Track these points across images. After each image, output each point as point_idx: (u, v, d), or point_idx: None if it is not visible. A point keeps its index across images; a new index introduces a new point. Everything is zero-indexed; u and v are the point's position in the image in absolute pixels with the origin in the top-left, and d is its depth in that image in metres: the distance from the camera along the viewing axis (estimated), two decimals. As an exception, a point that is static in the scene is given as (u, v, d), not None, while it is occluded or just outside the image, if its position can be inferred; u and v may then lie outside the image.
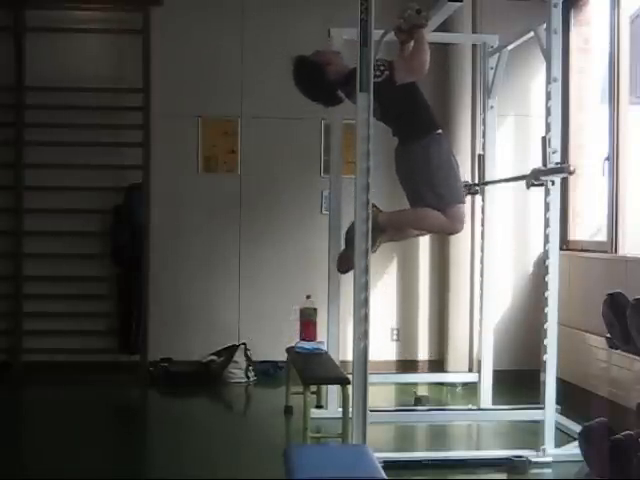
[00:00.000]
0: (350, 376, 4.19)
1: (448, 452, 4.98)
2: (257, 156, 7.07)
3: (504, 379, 6.21)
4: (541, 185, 4.80)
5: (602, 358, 5.52)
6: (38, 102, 6.79)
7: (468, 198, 5.43)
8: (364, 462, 3.29)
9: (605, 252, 5.81)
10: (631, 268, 5.39)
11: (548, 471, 4.66)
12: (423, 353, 7.19)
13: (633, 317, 3.54)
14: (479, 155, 6.04)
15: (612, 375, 5.42)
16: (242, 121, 7.06)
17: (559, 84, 4.77)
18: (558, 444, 4.76)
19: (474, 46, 6.72)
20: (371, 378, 4.06)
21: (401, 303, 7.20)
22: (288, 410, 5.72)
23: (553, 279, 4.79)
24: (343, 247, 4.91)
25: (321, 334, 5.69)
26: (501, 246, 6.30)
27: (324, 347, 5.58)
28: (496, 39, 5.89)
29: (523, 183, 4.95)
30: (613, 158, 5.72)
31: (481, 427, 5.66)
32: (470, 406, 5.93)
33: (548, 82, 4.78)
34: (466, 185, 5.76)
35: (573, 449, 4.46)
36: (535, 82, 6.76)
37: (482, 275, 5.93)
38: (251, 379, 6.83)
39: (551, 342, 4.77)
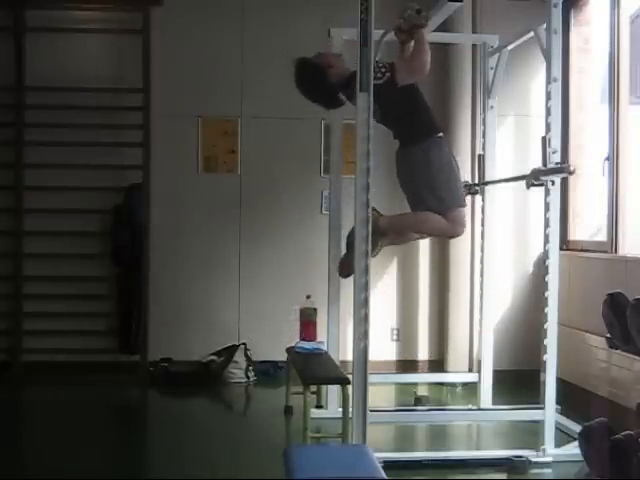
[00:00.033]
0: (350, 376, 4.19)
1: (448, 452, 4.98)
2: (257, 156, 7.07)
3: (504, 379, 6.21)
4: (541, 185, 4.80)
5: (602, 358, 5.52)
6: (38, 102, 6.79)
7: (468, 198, 5.43)
8: (364, 462, 3.29)
9: (605, 252, 5.81)
10: (631, 268, 5.39)
11: (548, 471, 4.66)
12: (423, 353, 7.19)
13: (633, 317, 3.54)
14: (479, 155, 6.04)
15: (612, 375, 5.42)
16: (242, 121, 7.06)
17: (559, 84, 4.77)
18: (558, 444, 4.76)
19: (474, 46, 6.72)
20: (371, 378, 4.06)
21: (401, 303, 7.20)
22: (288, 410, 5.72)
23: (553, 279, 4.79)
24: (344, 252, 4.90)
25: (321, 334, 5.69)
26: (501, 246, 6.30)
27: (324, 347, 5.58)
28: (496, 39, 5.89)
29: (523, 183, 4.95)
30: (613, 158, 5.72)
31: (481, 427, 5.66)
32: (470, 406, 5.93)
33: (548, 82, 4.78)
34: (466, 185, 5.76)
35: (573, 449, 4.46)
36: (535, 82, 6.76)
37: (482, 275, 5.93)
38: (251, 379, 6.83)
39: (551, 342, 4.77)
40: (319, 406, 5.66)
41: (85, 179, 6.83)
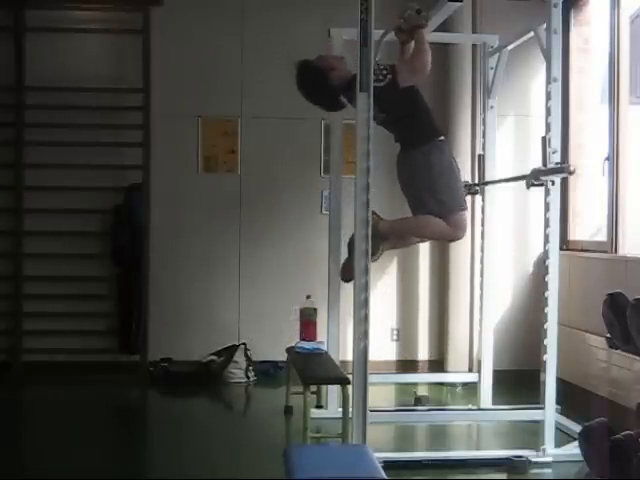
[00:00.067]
0: (350, 376, 4.19)
1: (448, 452, 4.98)
2: (257, 156, 7.07)
3: (504, 379, 6.21)
4: (541, 185, 4.80)
5: (602, 358, 5.52)
6: (38, 102, 6.79)
7: (468, 198, 5.43)
8: (364, 462, 3.29)
9: (605, 252, 5.81)
10: (631, 268, 5.39)
11: (548, 471, 4.66)
12: (423, 353, 7.19)
13: (633, 317, 3.54)
14: (479, 155, 6.04)
15: (612, 375, 5.42)
16: (242, 121, 7.06)
17: (559, 84, 4.77)
18: (558, 444, 4.76)
19: (474, 46, 6.72)
20: (371, 378, 4.06)
21: (401, 303, 7.20)
22: (288, 410, 5.72)
23: (553, 279, 4.79)
24: (346, 256, 4.90)
25: (321, 334, 5.69)
26: (501, 246, 6.30)
27: (324, 347, 5.58)
28: (496, 39, 5.89)
29: (523, 183, 4.95)
30: (613, 158, 5.72)
31: (481, 427, 5.66)
32: (470, 406, 5.93)
33: (548, 82, 4.78)
34: (466, 185, 5.76)
35: (573, 449, 4.46)
36: (535, 82, 6.76)
37: (482, 275, 5.93)
38: (251, 379, 6.83)
39: (551, 342, 4.77)
40: (319, 406, 5.66)
41: (85, 179, 6.83)
